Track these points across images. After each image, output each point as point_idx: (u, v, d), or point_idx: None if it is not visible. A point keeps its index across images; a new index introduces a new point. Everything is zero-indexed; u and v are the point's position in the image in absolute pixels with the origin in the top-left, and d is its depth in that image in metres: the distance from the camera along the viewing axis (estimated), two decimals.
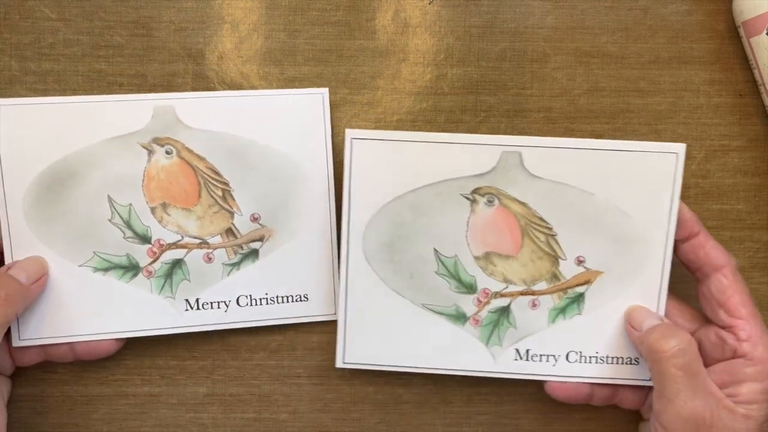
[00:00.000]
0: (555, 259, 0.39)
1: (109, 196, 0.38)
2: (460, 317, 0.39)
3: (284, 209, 0.40)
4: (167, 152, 0.39)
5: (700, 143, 0.41)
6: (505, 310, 0.39)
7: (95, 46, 0.40)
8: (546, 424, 0.42)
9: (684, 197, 0.41)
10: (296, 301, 0.40)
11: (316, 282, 0.40)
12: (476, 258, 0.39)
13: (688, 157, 0.41)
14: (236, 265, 0.40)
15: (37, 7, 0.40)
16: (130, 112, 0.38)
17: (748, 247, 0.41)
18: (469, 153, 0.38)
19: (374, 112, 0.41)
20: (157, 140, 0.39)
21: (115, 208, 0.39)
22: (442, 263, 0.39)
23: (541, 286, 0.39)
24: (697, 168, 0.41)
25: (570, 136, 0.41)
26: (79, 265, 0.39)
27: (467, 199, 0.38)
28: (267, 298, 0.40)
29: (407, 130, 0.41)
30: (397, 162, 0.38)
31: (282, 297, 0.40)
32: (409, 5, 0.41)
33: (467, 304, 0.39)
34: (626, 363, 0.39)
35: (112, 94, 0.40)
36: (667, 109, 0.41)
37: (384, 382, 0.42)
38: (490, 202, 0.38)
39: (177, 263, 0.39)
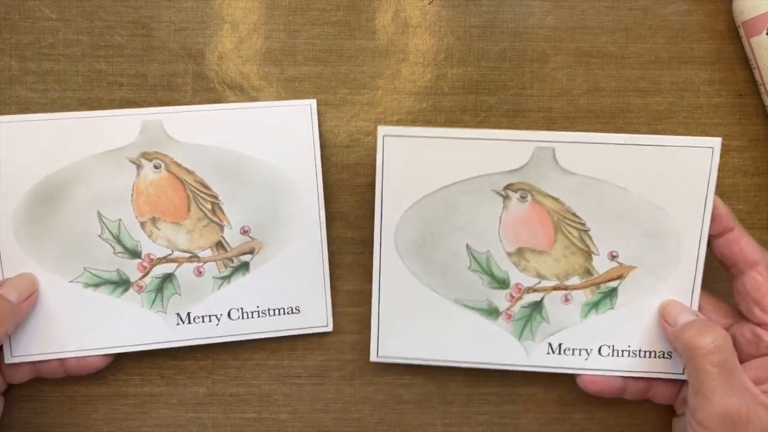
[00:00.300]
0: (588, 254, 0.39)
1: (98, 212, 0.38)
2: (492, 312, 0.39)
3: (274, 221, 0.39)
4: (155, 166, 0.39)
5: None
6: (537, 305, 0.39)
7: (95, 46, 0.40)
8: (546, 424, 0.42)
9: None
10: (288, 313, 0.40)
11: (307, 294, 0.40)
12: (509, 254, 0.39)
13: None
14: (227, 278, 0.39)
15: (37, 7, 0.40)
16: (118, 127, 0.38)
17: None
18: (502, 149, 0.38)
19: (374, 112, 0.41)
20: (145, 155, 0.39)
21: (104, 224, 0.39)
22: (475, 259, 0.39)
23: (574, 281, 0.39)
24: None
25: None
26: (70, 281, 0.39)
27: (500, 195, 0.38)
28: (258, 311, 0.40)
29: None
30: (429, 158, 0.38)
31: (274, 309, 0.40)
32: (409, 5, 0.41)
33: (500, 299, 0.39)
34: (659, 357, 0.39)
35: (103, 108, 0.40)
36: (667, 109, 0.41)
37: (384, 382, 0.42)
38: (523, 198, 0.38)
39: (167, 277, 0.39)
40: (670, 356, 0.39)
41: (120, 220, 0.39)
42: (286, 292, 0.40)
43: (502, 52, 0.41)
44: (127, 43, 0.40)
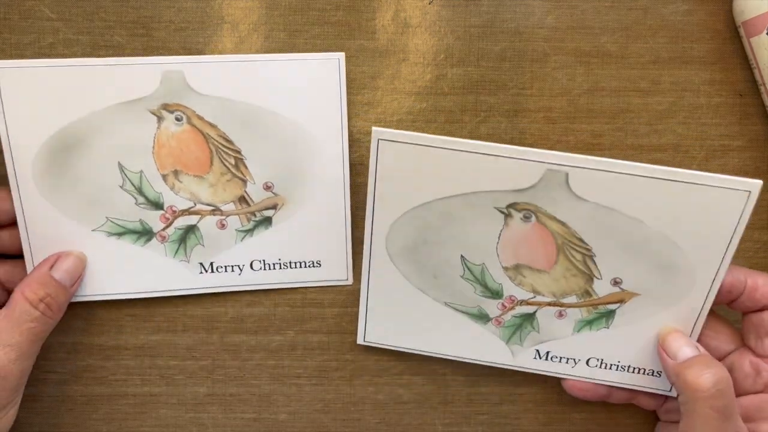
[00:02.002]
0: (590, 277, 0.37)
1: (119, 163, 0.38)
2: (482, 317, 0.39)
3: (298, 177, 0.39)
4: (177, 119, 0.38)
5: (700, 143, 0.41)
6: (529, 317, 0.39)
7: (95, 46, 0.40)
8: (546, 424, 0.42)
9: None
10: (309, 266, 0.40)
11: (328, 248, 0.40)
12: (505, 268, 0.38)
13: (689, 157, 0.41)
14: (249, 231, 0.40)
15: (37, 7, 0.40)
16: (137, 76, 0.37)
17: (748, 247, 0.41)
18: (510, 166, 0.35)
19: (374, 112, 0.41)
20: (166, 106, 0.38)
21: (126, 175, 0.38)
22: (469, 269, 0.38)
23: (571, 299, 0.38)
24: (697, 168, 0.41)
25: (570, 135, 0.41)
26: (93, 230, 0.39)
27: (502, 212, 0.37)
28: (280, 263, 0.40)
29: (409, 130, 0.41)
30: (427, 168, 0.36)
31: (295, 263, 0.40)
32: (409, 5, 0.41)
33: (491, 307, 0.39)
34: (648, 374, 0.38)
35: (117, 56, 0.39)
36: (667, 109, 0.41)
37: (384, 383, 0.42)
38: (526, 218, 0.37)
39: (190, 229, 0.39)
40: (659, 375, 0.38)
41: (141, 171, 0.38)
42: (308, 246, 0.40)
43: (502, 52, 0.41)
44: (127, 43, 0.40)
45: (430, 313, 0.39)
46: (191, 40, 0.40)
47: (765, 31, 0.38)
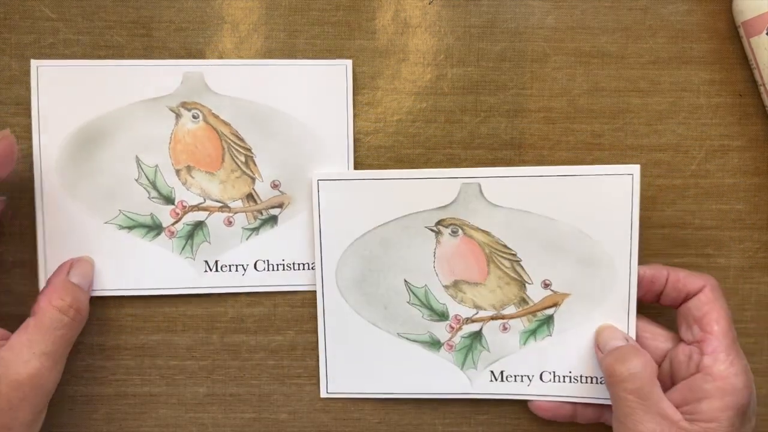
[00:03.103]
0: (522, 283, 0.40)
1: (137, 157, 0.40)
2: (434, 344, 0.40)
3: (304, 178, 0.40)
4: (194, 116, 0.40)
5: (700, 143, 0.41)
6: (477, 335, 0.40)
7: (95, 46, 0.40)
8: (546, 424, 0.42)
9: (684, 197, 0.41)
10: (312, 269, 0.41)
11: None
12: (445, 287, 0.40)
13: (689, 156, 0.41)
14: (255, 230, 0.40)
15: (37, 7, 0.40)
16: (160, 76, 0.40)
17: (748, 247, 0.41)
18: (431, 187, 0.39)
19: (374, 112, 0.41)
20: (184, 104, 0.40)
21: (142, 169, 0.40)
22: (413, 293, 0.40)
23: (511, 310, 0.40)
24: (697, 168, 0.41)
25: (570, 135, 0.41)
26: (105, 222, 0.40)
27: (432, 230, 0.39)
28: (284, 264, 0.41)
29: (407, 130, 0.41)
30: (363, 199, 0.39)
31: (298, 264, 0.41)
32: (409, 5, 0.41)
33: (440, 330, 0.40)
34: (600, 382, 0.39)
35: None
36: (667, 109, 0.41)
37: None
38: (454, 233, 0.39)
39: (198, 225, 0.40)
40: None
41: (157, 166, 0.40)
42: (312, 247, 0.40)
43: (502, 52, 0.41)
44: (127, 43, 0.40)
45: (386, 348, 0.40)
46: (191, 40, 0.40)
47: (765, 31, 0.38)
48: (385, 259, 0.40)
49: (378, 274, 0.40)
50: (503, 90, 0.41)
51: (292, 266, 0.41)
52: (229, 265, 0.41)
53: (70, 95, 0.39)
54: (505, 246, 0.39)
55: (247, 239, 0.41)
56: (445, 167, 0.41)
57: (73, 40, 0.40)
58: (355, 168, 0.41)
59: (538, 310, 0.40)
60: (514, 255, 0.39)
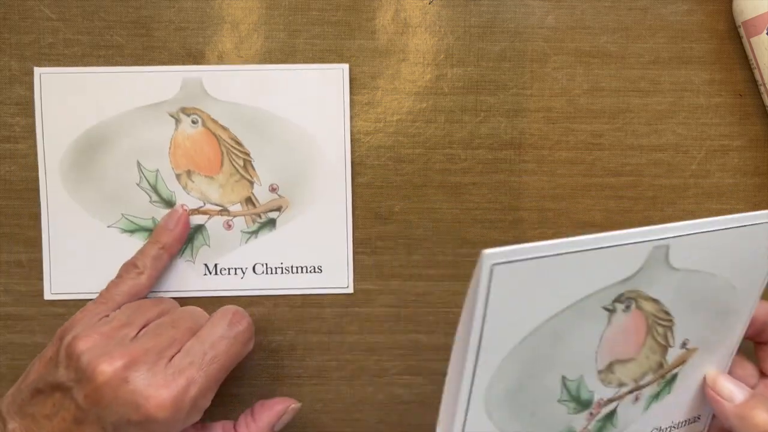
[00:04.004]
0: (665, 348, 0.33)
1: (138, 161, 0.40)
2: None
3: (301, 181, 0.41)
4: (193, 122, 0.40)
5: (700, 143, 0.41)
6: (611, 414, 0.34)
7: (95, 46, 0.40)
8: None
9: (683, 197, 0.41)
10: (310, 272, 0.41)
11: (329, 254, 0.41)
12: (599, 371, 0.32)
13: (689, 156, 0.41)
14: (254, 233, 0.41)
15: (37, 7, 0.40)
16: (160, 82, 0.40)
17: None
18: (616, 254, 0.29)
19: (374, 112, 0.41)
20: (184, 110, 0.40)
21: (143, 173, 0.40)
22: (567, 389, 0.32)
23: (648, 378, 0.34)
24: (697, 168, 0.41)
25: (570, 135, 0.41)
26: (108, 226, 0.40)
27: (607, 310, 0.30)
28: (282, 268, 0.41)
29: (407, 130, 0.41)
30: (540, 282, 0.28)
31: (297, 267, 0.41)
32: (409, 5, 0.41)
33: (580, 420, 0.33)
34: (695, 422, 0.37)
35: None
36: (667, 109, 0.41)
37: (384, 383, 0.42)
38: (627, 308, 0.31)
39: (198, 228, 0.41)
40: (698, 419, 0.38)
41: (157, 170, 0.40)
42: (310, 250, 0.41)
43: (502, 52, 0.41)
44: (127, 43, 0.40)
45: None
46: (191, 40, 0.40)
47: (765, 31, 0.38)
48: (551, 357, 0.30)
49: (536, 379, 0.30)
50: (503, 90, 0.41)
51: (290, 269, 0.41)
52: (229, 269, 0.41)
53: (72, 101, 0.40)
54: (666, 313, 0.32)
55: (246, 242, 0.41)
56: (445, 167, 0.41)
57: (73, 40, 0.40)
58: (354, 168, 0.40)
59: (668, 372, 0.34)
60: (671, 320, 0.32)
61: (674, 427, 0.37)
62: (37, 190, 0.40)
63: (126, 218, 0.40)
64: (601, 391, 0.32)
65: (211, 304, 0.41)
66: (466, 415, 0.29)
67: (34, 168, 0.40)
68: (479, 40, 0.41)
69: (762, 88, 0.40)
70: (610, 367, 0.32)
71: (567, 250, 0.28)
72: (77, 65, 0.40)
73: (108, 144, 0.40)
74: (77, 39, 0.40)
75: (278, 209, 0.41)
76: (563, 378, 0.31)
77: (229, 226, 0.41)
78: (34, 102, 0.40)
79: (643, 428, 0.36)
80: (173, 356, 0.34)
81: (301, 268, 0.41)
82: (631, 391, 0.33)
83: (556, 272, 0.28)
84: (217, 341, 0.35)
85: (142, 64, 0.40)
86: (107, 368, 0.32)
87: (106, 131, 0.40)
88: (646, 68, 0.41)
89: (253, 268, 0.41)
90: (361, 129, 0.41)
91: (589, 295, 0.29)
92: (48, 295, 0.40)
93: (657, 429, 0.37)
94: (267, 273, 0.41)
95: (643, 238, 0.29)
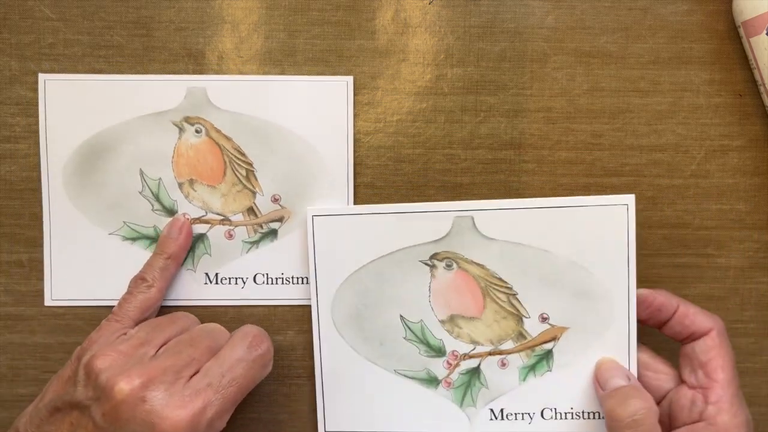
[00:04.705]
0: (519, 317, 0.39)
1: (141, 170, 0.40)
2: (432, 381, 0.40)
3: (303, 192, 0.41)
4: (197, 131, 0.40)
5: (700, 143, 0.41)
6: (475, 371, 0.40)
7: (95, 46, 0.40)
8: None
9: (684, 197, 0.41)
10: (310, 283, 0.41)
11: None
12: (441, 321, 0.40)
13: (689, 156, 0.41)
14: (255, 243, 0.41)
15: (37, 7, 0.40)
16: (164, 91, 0.40)
17: (748, 247, 0.41)
18: (424, 220, 0.39)
19: (374, 112, 0.41)
20: (187, 119, 0.40)
21: (145, 181, 0.40)
22: (409, 329, 0.40)
23: (508, 345, 0.39)
24: (697, 168, 0.41)
25: (570, 135, 0.41)
26: (110, 233, 0.40)
27: (426, 264, 0.39)
28: (283, 278, 0.41)
29: (407, 130, 0.41)
30: (358, 234, 0.39)
31: (297, 278, 0.41)
32: (409, 5, 0.41)
33: (437, 367, 0.40)
34: (602, 418, 0.39)
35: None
36: (667, 109, 0.41)
37: None
38: (448, 267, 0.39)
39: (200, 237, 0.41)
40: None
41: (160, 179, 0.40)
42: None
43: (502, 52, 0.41)
44: (127, 43, 0.40)
45: (383, 385, 0.40)
46: (191, 40, 0.40)
47: (765, 31, 0.38)
48: (380, 294, 0.39)
49: (373, 309, 0.39)
50: (503, 90, 0.41)
51: (291, 280, 0.41)
52: (229, 278, 0.41)
53: (76, 108, 0.40)
54: (500, 279, 0.39)
55: (247, 252, 0.41)
56: (445, 167, 0.41)
57: (73, 40, 0.40)
58: (354, 169, 0.41)
59: (537, 345, 0.39)
60: (510, 288, 0.39)
61: (577, 414, 0.39)
62: (37, 190, 0.40)
63: (128, 226, 0.40)
64: (451, 343, 0.40)
65: (212, 313, 0.41)
66: (319, 326, 0.40)
67: (35, 168, 0.40)
68: (479, 40, 0.41)
69: (762, 88, 0.40)
70: (452, 320, 0.39)
71: (376, 212, 0.39)
72: (77, 65, 0.40)
73: (111, 151, 0.40)
74: (77, 39, 0.40)
75: (280, 220, 0.41)
76: (402, 317, 0.39)
77: (230, 236, 0.41)
78: (38, 106, 0.40)
79: (528, 402, 0.39)
80: (191, 376, 0.34)
81: (302, 279, 0.41)
82: (492, 353, 0.39)
83: (370, 229, 0.39)
84: (236, 364, 0.35)
85: (143, 64, 0.40)
86: (125, 386, 0.32)
87: (109, 139, 0.40)
88: (646, 68, 0.41)
89: (254, 278, 0.41)
90: (361, 129, 0.41)
91: (403, 249, 0.39)
92: (48, 302, 0.40)
93: (551, 410, 0.39)
94: (268, 283, 0.41)
95: (445, 209, 0.39)
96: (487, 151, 0.41)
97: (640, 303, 0.37)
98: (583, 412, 0.39)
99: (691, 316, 0.36)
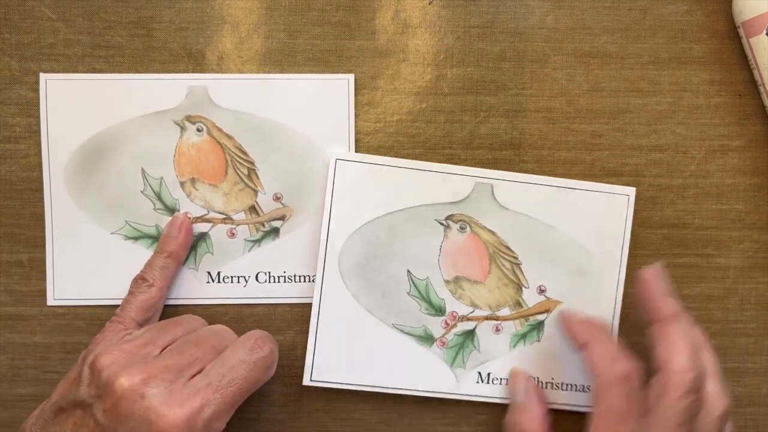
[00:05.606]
0: (519, 286, 0.40)
1: (142, 169, 0.40)
2: (427, 338, 0.40)
3: (305, 190, 0.41)
4: (198, 130, 0.40)
5: (699, 143, 0.41)
6: (470, 334, 0.41)
7: (95, 46, 0.40)
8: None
9: (683, 197, 0.41)
10: (313, 281, 0.41)
11: None
12: (446, 281, 0.40)
13: (688, 156, 0.41)
14: (257, 241, 0.41)
15: (37, 7, 0.40)
16: (165, 90, 0.40)
17: (747, 247, 0.42)
18: (446, 181, 0.40)
19: (374, 112, 0.41)
20: (189, 118, 0.40)
21: (147, 181, 0.40)
22: (414, 285, 0.40)
23: (505, 311, 0.41)
24: (697, 168, 0.41)
25: (570, 135, 0.41)
26: (112, 233, 0.40)
27: (441, 224, 0.40)
28: (285, 277, 0.41)
29: (407, 130, 0.41)
30: (378, 185, 0.40)
31: (299, 276, 0.41)
32: (409, 5, 0.41)
33: (435, 326, 0.40)
34: (580, 390, 0.40)
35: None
36: (667, 109, 0.41)
37: None
38: (462, 229, 0.40)
39: (202, 236, 0.41)
40: (591, 389, 0.40)
41: (162, 178, 0.40)
42: (312, 260, 0.41)
43: (502, 52, 0.41)
44: (127, 43, 0.40)
45: (378, 338, 0.40)
46: (191, 40, 0.40)
47: (764, 31, 0.38)
48: (390, 247, 0.40)
49: (381, 261, 0.40)
50: (503, 90, 0.41)
51: (293, 278, 0.41)
52: (231, 277, 0.41)
53: (77, 108, 0.40)
54: (507, 248, 0.40)
55: (249, 251, 0.41)
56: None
57: (73, 40, 0.40)
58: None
59: (531, 315, 0.40)
60: (516, 258, 0.40)
61: (557, 385, 0.41)
62: (37, 190, 0.40)
63: (130, 225, 0.40)
64: (452, 303, 0.40)
65: (214, 311, 0.41)
66: (323, 272, 0.40)
67: (35, 168, 0.40)
68: (479, 41, 0.41)
69: (761, 89, 0.40)
70: (457, 281, 0.40)
71: (401, 165, 0.40)
72: (78, 65, 0.40)
73: (112, 151, 0.40)
74: (77, 39, 0.40)
75: (282, 218, 0.41)
76: (409, 272, 0.40)
77: (232, 235, 0.41)
78: (39, 105, 0.40)
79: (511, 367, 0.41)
80: (194, 376, 0.34)
81: (304, 277, 0.41)
82: (488, 318, 0.40)
83: (389, 180, 0.40)
84: (236, 365, 0.35)
85: (143, 65, 0.40)
86: (125, 382, 0.32)
87: (110, 138, 0.40)
88: (646, 68, 0.41)
89: (256, 277, 0.41)
90: (361, 129, 0.41)
91: (420, 206, 0.40)
92: (51, 301, 0.40)
93: (534, 378, 0.41)
94: (270, 282, 0.41)
95: (468, 173, 0.40)
96: (487, 151, 0.41)
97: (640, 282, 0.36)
98: (562, 384, 0.40)
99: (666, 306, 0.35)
